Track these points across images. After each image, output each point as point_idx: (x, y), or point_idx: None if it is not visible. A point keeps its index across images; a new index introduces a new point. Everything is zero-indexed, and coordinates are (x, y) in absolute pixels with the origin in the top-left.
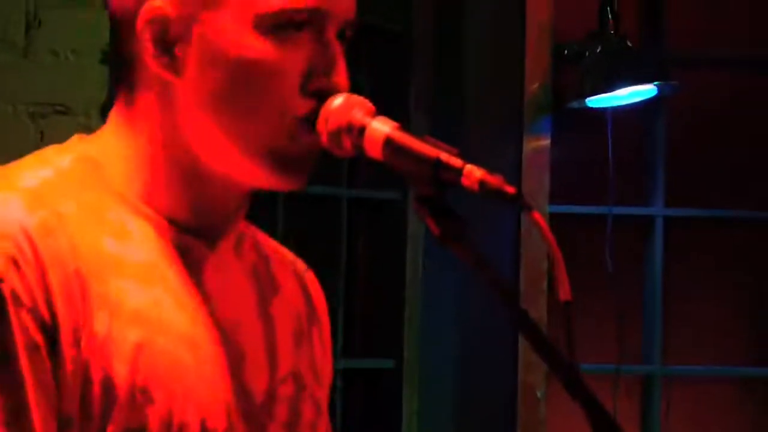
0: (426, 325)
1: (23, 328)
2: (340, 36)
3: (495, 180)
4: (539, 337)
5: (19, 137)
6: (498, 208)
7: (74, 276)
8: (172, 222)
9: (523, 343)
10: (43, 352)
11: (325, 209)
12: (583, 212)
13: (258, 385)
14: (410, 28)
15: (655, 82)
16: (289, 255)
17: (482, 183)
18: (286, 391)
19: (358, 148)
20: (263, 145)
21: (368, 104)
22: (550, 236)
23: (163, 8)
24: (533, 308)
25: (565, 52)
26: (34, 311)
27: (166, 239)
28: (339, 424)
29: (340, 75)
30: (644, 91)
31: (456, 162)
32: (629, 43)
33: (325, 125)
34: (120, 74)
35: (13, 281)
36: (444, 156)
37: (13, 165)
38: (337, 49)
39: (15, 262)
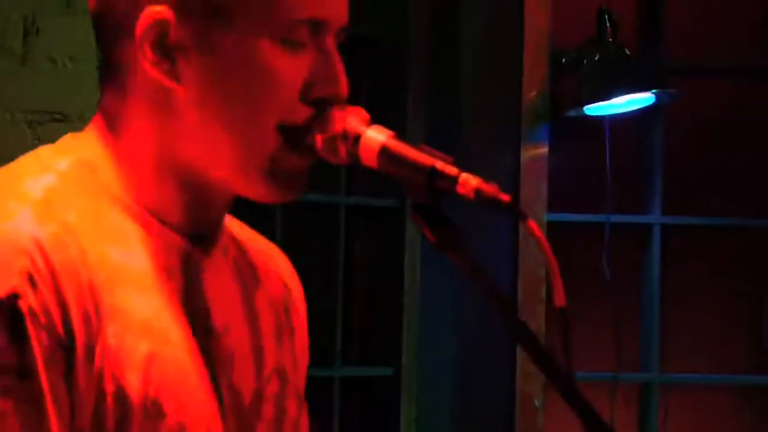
0: (424, 333)
1: (42, 344)
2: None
3: (490, 188)
4: (536, 346)
5: (17, 144)
6: (495, 216)
7: (87, 288)
8: (169, 226)
9: (521, 352)
10: (60, 367)
11: (323, 217)
12: (581, 220)
13: (246, 386)
14: (407, 36)
15: (653, 90)
16: (262, 241)
17: (478, 191)
18: (272, 389)
19: (354, 156)
20: (260, 153)
21: (364, 113)
22: (545, 243)
23: (164, 13)
24: (531, 317)
25: (563, 60)
26: (50, 327)
27: (164, 244)
28: None
29: (341, 84)
30: (642, 99)
31: (451, 170)
32: (627, 51)
33: (321, 133)
34: (108, 76)
35: (30, 298)
36: (439, 164)
37: (12, 169)
38: (337, 57)
39: (31, 278)
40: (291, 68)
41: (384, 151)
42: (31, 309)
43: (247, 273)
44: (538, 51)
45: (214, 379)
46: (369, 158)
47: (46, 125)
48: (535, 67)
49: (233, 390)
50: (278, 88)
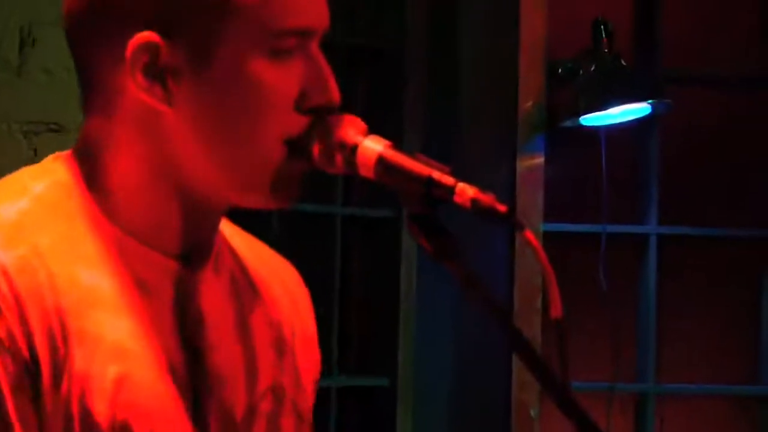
0: (420, 344)
1: (7, 370)
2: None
3: (487, 198)
4: (532, 355)
5: (13, 154)
6: (492, 226)
7: (54, 313)
8: (152, 247)
9: (517, 362)
10: (27, 392)
11: (319, 227)
12: (577, 230)
13: (238, 403)
14: (403, 47)
15: (649, 101)
16: (267, 253)
17: (474, 201)
18: (265, 407)
19: (350, 166)
20: (257, 168)
21: (360, 123)
22: (542, 254)
23: (153, 38)
24: (527, 327)
25: (559, 70)
26: (15, 352)
27: (145, 266)
28: None
29: (333, 91)
30: (638, 109)
31: (448, 180)
32: (623, 62)
33: (317, 143)
34: (91, 98)
35: None
36: (436, 174)
37: None
38: (325, 63)
39: None
40: (283, 79)
41: (381, 161)
42: None
43: (245, 288)
44: (534, 61)
45: (198, 399)
46: (366, 168)
47: (42, 135)
48: (531, 77)
49: (223, 408)
50: (275, 101)
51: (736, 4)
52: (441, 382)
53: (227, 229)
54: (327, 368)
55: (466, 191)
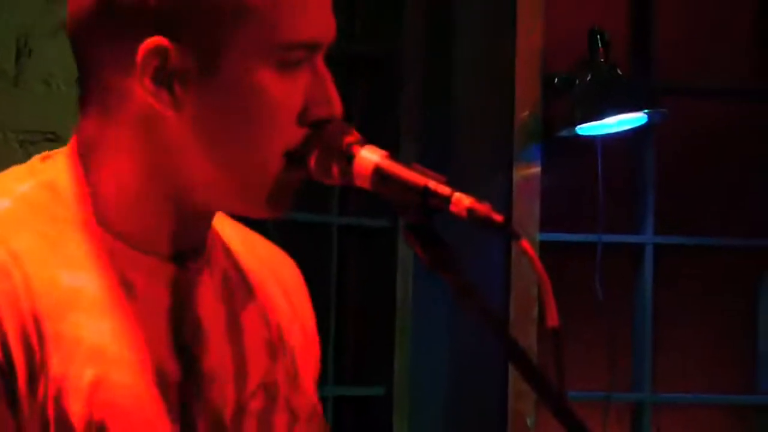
0: (416, 353)
1: None
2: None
3: (483, 208)
4: (528, 364)
5: (9, 163)
6: (488, 235)
7: (29, 317)
8: (144, 251)
9: (513, 371)
10: (3, 398)
11: (315, 236)
12: (573, 240)
13: (226, 403)
14: (400, 56)
15: (645, 110)
16: (265, 248)
17: (470, 211)
18: (256, 404)
19: (347, 176)
20: (255, 178)
21: (356, 133)
22: (538, 263)
23: (163, 43)
24: (523, 336)
25: (555, 80)
26: None
27: (132, 267)
28: None
29: (336, 103)
30: (634, 119)
31: (444, 190)
32: (619, 71)
33: (314, 153)
34: (90, 100)
35: None
36: (432, 184)
37: None
38: (329, 77)
39: None
40: (289, 93)
41: (377, 172)
42: None
43: (238, 286)
44: (531, 71)
45: (186, 401)
46: (362, 179)
47: (38, 145)
48: (528, 87)
49: (211, 408)
50: (279, 114)
51: (731, 15)
52: (437, 392)
53: (219, 221)
54: (323, 377)
55: (462, 201)
